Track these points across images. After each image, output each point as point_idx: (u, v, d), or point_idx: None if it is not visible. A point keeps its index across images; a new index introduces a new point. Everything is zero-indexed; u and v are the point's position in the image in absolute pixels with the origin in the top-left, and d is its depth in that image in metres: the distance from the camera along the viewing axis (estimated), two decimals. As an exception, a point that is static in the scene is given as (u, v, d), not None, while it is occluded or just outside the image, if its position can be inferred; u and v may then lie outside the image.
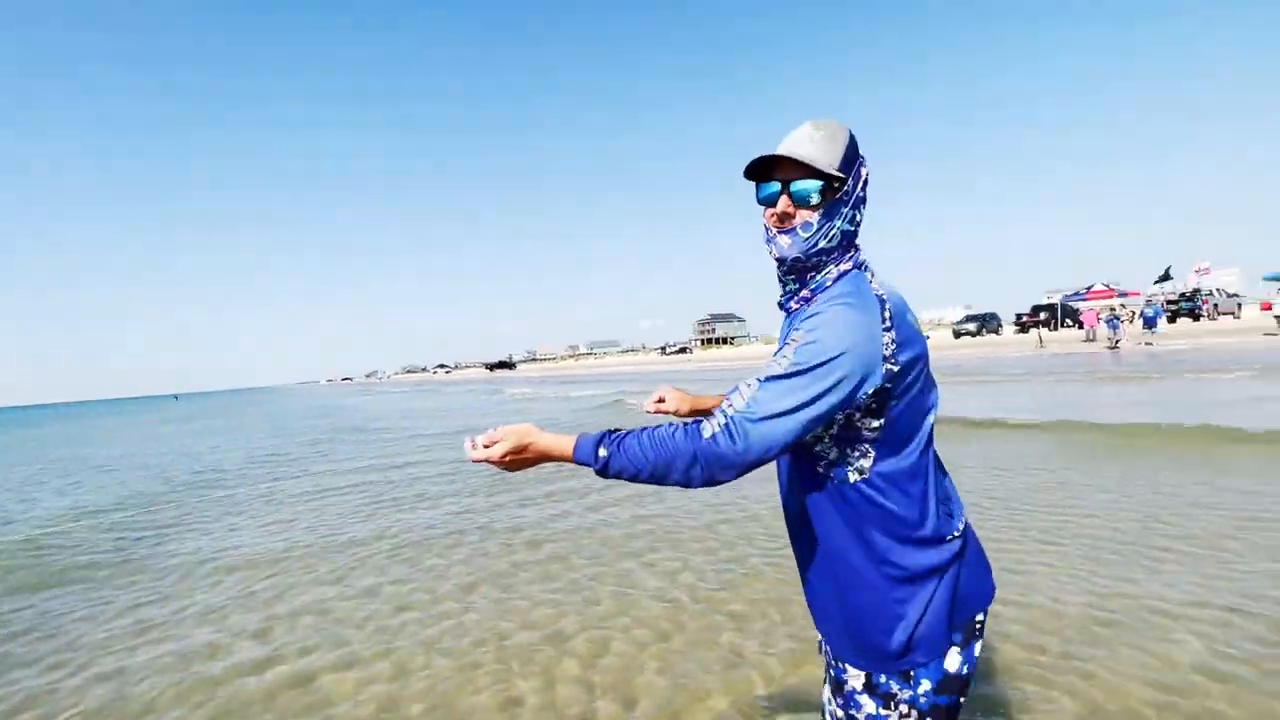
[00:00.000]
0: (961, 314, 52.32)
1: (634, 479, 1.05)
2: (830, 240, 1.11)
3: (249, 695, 2.90)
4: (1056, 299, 36.93)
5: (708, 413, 1.42)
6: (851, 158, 1.10)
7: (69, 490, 10.24)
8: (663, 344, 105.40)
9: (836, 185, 1.09)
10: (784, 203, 1.10)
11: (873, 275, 1.14)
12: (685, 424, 1.05)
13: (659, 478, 1.04)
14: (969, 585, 1.16)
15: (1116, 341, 21.73)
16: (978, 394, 12.20)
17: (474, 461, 1.11)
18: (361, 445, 13.57)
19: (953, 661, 1.12)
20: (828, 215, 1.09)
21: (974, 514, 4.53)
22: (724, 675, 2.73)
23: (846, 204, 1.10)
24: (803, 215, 1.10)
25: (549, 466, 7.42)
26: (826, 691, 1.29)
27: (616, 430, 1.09)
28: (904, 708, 1.12)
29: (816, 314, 1.05)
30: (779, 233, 1.12)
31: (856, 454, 1.10)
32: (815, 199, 1.08)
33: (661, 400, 1.60)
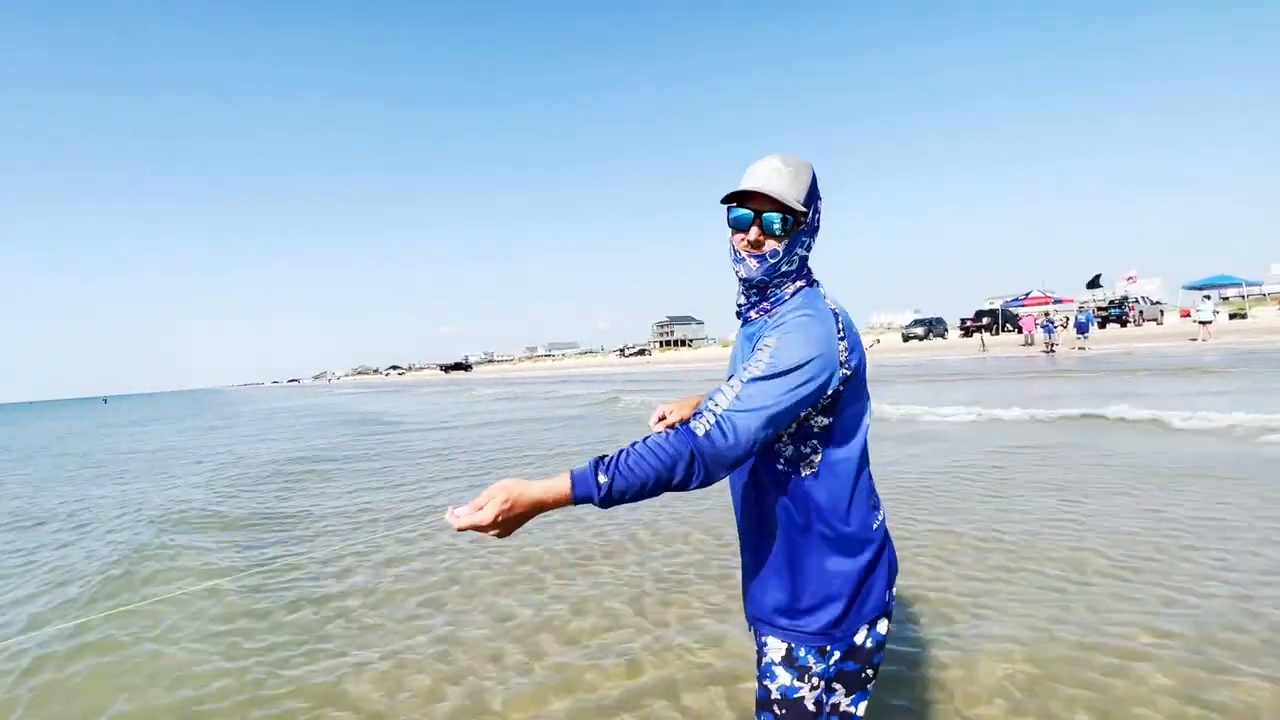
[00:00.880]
0: (910, 318, 54.14)
1: (638, 496, 1.08)
2: (791, 265, 1.25)
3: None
4: (998, 305, 38.70)
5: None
6: (813, 194, 1.24)
7: (182, 480, 9.85)
8: (621, 346, 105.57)
9: (800, 218, 1.22)
10: (755, 232, 1.23)
11: (825, 292, 1.30)
12: (674, 428, 1.13)
13: (662, 485, 1.08)
14: (890, 567, 1.32)
15: (1052, 345, 22.97)
16: (922, 391, 12.71)
17: (460, 530, 1.04)
18: (418, 437, 13.29)
19: (860, 635, 1.25)
20: (790, 245, 1.23)
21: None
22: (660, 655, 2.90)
23: (806, 233, 1.26)
24: (770, 244, 1.23)
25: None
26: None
27: (603, 456, 1.12)
28: (814, 680, 1.24)
29: (783, 324, 1.19)
30: (749, 256, 1.25)
31: (808, 449, 1.23)
32: (779, 230, 1.21)
33: (663, 419, 1.61)
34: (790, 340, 1.14)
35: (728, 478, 1.26)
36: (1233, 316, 30.20)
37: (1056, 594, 3.24)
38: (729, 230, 1.29)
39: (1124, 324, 32.22)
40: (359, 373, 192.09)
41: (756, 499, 1.32)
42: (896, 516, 4.67)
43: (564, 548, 4.68)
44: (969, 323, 36.83)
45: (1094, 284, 37.54)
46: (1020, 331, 29.11)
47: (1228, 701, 2.27)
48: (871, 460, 1.34)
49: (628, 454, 1.09)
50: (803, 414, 1.15)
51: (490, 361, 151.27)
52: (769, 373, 1.12)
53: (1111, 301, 35.38)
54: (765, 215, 1.22)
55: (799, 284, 1.27)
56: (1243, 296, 37.77)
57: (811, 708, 1.23)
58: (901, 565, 3.21)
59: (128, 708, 2.91)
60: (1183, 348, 19.17)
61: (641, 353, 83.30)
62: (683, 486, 1.10)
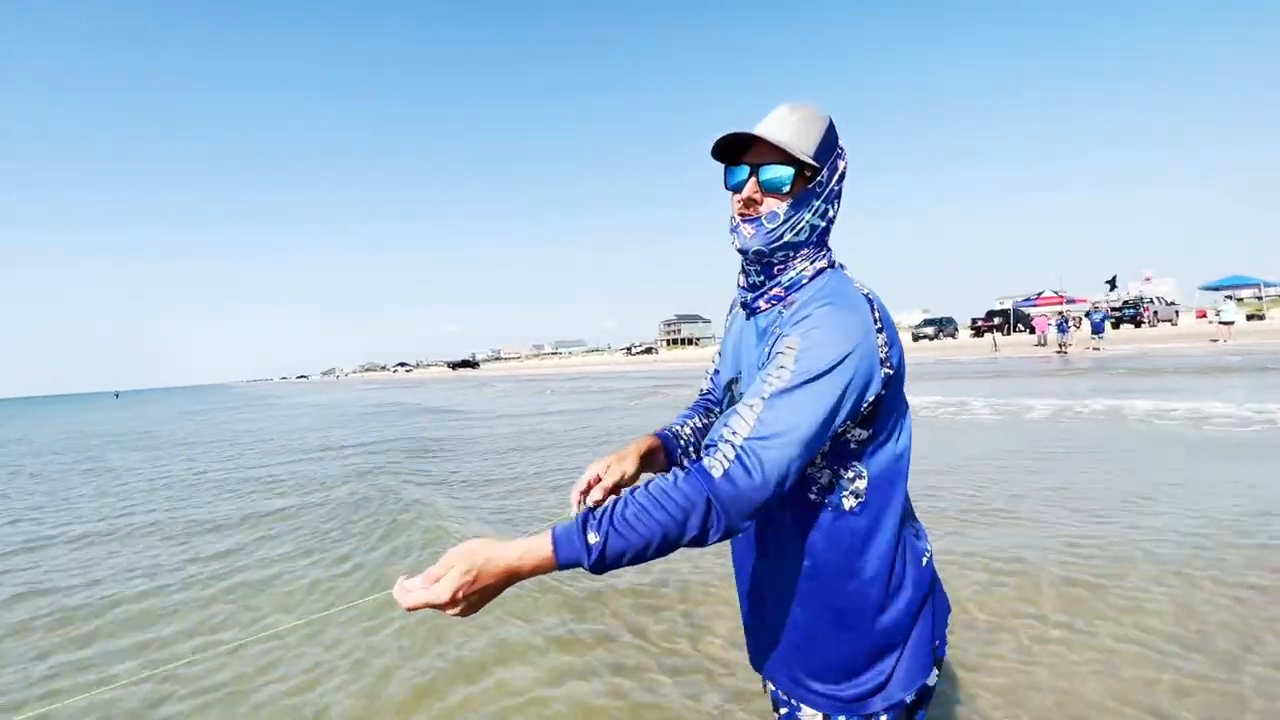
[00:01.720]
0: (920, 318, 53.84)
1: (640, 557, 0.84)
2: (797, 234, 1.02)
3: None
4: (1009, 304, 38.32)
5: (654, 457, 1.20)
6: (829, 146, 1.01)
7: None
8: (629, 344, 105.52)
9: (809, 174, 1.00)
10: (751, 187, 1.01)
11: (853, 276, 1.07)
12: (684, 468, 0.88)
13: (671, 543, 0.85)
14: (940, 608, 1.11)
15: (1065, 345, 22.68)
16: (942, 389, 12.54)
17: (410, 609, 0.81)
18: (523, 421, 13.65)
19: (911, 692, 1.05)
20: (796, 206, 1.00)
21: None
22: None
23: (818, 196, 1.01)
24: (770, 204, 1.01)
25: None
26: None
27: (594, 507, 0.88)
28: None
29: (806, 318, 0.96)
30: (742, 221, 1.03)
31: (848, 473, 1.01)
32: (785, 187, 0.99)
33: (595, 482, 1.13)
34: (818, 337, 0.92)
35: None
36: (1250, 318, 29.83)
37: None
38: (730, 198, 1.07)
39: (1138, 324, 31.83)
40: (366, 369, 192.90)
41: (776, 539, 1.08)
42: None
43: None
44: (980, 322, 36.52)
45: (1111, 285, 37.18)
46: (1033, 331, 28.81)
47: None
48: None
49: (625, 504, 0.85)
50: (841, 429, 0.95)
51: (497, 359, 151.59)
52: (796, 382, 0.89)
53: (1126, 302, 35.00)
54: (764, 169, 0.99)
55: (819, 264, 1.04)
56: (1259, 297, 37.27)
57: None
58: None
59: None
60: (1203, 349, 18.87)
61: (648, 351, 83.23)
62: (699, 543, 0.86)
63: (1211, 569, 3.22)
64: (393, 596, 0.82)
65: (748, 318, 1.12)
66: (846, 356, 0.90)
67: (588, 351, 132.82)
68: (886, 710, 1.03)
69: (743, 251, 1.05)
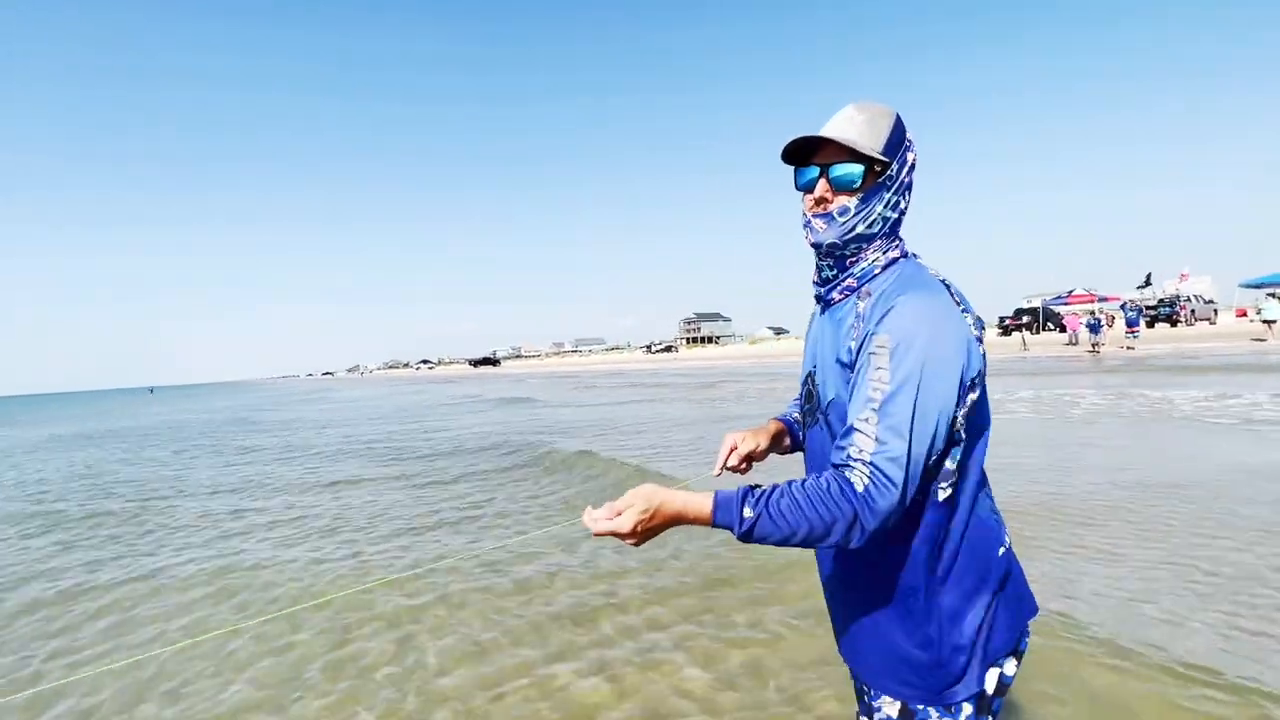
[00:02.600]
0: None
1: (783, 543, 0.93)
2: (870, 226, 1.05)
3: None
4: (1037, 303, 37.44)
5: (781, 439, 1.37)
6: (897, 141, 1.04)
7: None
8: (648, 342, 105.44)
9: (878, 169, 1.03)
10: (821, 187, 1.05)
11: (926, 263, 1.09)
12: (833, 477, 0.93)
13: (814, 540, 0.92)
14: (1022, 600, 1.10)
15: (1098, 344, 22.06)
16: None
17: (596, 535, 0.97)
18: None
19: (991, 681, 1.04)
20: (867, 199, 1.04)
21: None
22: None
23: (889, 188, 1.04)
24: (840, 200, 1.04)
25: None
26: None
27: (758, 486, 0.96)
28: None
29: (890, 310, 0.96)
30: (814, 217, 1.07)
31: (950, 463, 1.00)
32: (856, 183, 1.03)
33: (733, 449, 1.32)
34: (910, 330, 0.93)
35: None
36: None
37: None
38: (800, 198, 1.12)
39: (1174, 323, 30.86)
40: (390, 366, 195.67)
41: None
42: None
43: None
44: (1008, 321, 35.80)
45: (1146, 284, 36.12)
46: (1063, 330, 28.08)
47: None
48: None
49: (781, 495, 0.93)
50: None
51: (518, 357, 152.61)
52: (902, 383, 0.91)
53: (1161, 300, 33.91)
54: (833, 168, 1.03)
55: (891, 255, 1.07)
56: (1302, 296, 35.84)
57: None
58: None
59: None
60: (1246, 348, 18.21)
61: (668, 349, 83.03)
62: (840, 546, 0.93)
63: None
64: (583, 522, 0.99)
65: (822, 312, 1.16)
66: (945, 348, 0.93)
67: (607, 349, 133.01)
68: (968, 699, 1.03)
69: (816, 246, 1.09)
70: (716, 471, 1.33)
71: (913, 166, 1.07)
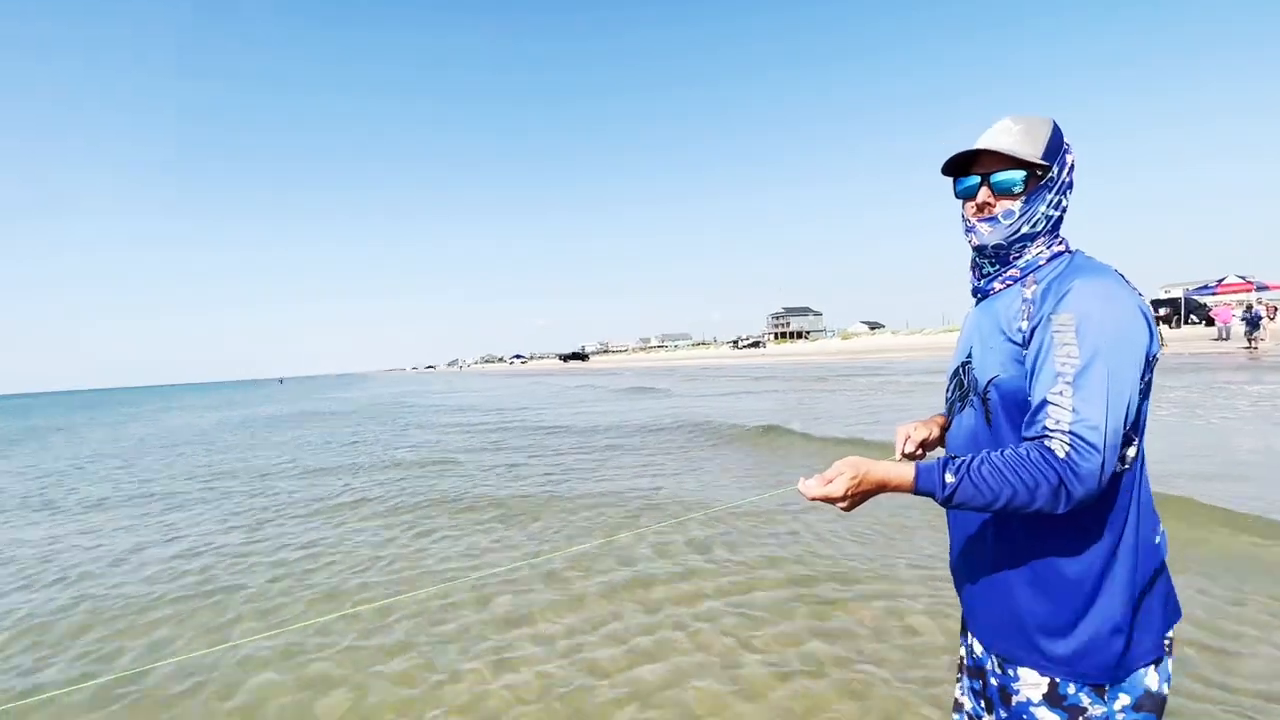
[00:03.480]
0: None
1: (985, 508, 0.99)
2: (1033, 226, 1.12)
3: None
4: (1177, 293, 33.47)
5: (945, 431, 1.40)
6: (1056, 145, 1.10)
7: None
8: (735, 338, 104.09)
9: (1040, 173, 1.10)
10: (984, 193, 1.13)
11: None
12: (1033, 446, 0.97)
13: (1018, 505, 0.96)
14: (1168, 597, 1.10)
15: (1257, 341, 19.34)
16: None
17: (811, 500, 1.06)
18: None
19: (1152, 679, 1.04)
20: (1030, 201, 1.10)
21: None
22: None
23: (1051, 189, 1.11)
24: (1003, 204, 1.12)
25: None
26: (969, 703, 1.25)
27: (954, 456, 1.05)
28: None
29: (1067, 292, 1.01)
30: (979, 221, 1.15)
31: (1135, 436, 1.04)
32: (1017, 188, 1.10)
33: (908, 439, 1.41)
34: (1094, 308, 0.98)
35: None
36: None
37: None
38: (960, 205, 1.20)
39: (1354, 316, 26.48)
40: (485, 361, 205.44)
41: None
42: None
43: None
44: (1142, 314, 32.24)
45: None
46: (1210, 324, 24.91)
47: None
48: None
49: (982, 462, 0.99)
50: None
51: (605, 352, 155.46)
52: (1092, 357, 0.95)
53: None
54: (995, 175, 1.11)
55: (1055, 249, 1.12)
56: None
57: None
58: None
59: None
60: None
61: (755, 345, 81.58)
62: (1045, 512, 0.96)
63: None
64: (798, 490, 1.07)
65: (978, 303, 1.22)
66: (1129, 322, 0.97)
67: (694, 345, 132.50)
68: (1123, 686, 1.03)
69: (980, 248, 1.17)
70: (897, 457, 1.38)
71: (1072, 167, 1.13)
